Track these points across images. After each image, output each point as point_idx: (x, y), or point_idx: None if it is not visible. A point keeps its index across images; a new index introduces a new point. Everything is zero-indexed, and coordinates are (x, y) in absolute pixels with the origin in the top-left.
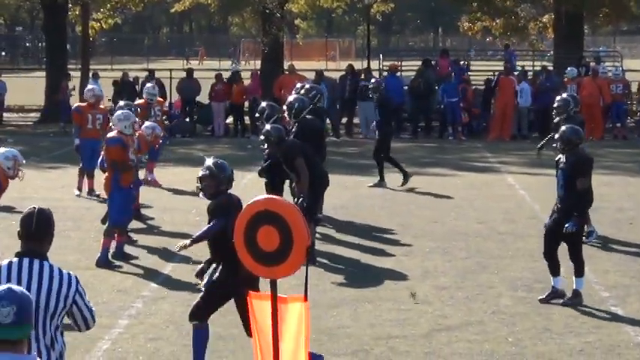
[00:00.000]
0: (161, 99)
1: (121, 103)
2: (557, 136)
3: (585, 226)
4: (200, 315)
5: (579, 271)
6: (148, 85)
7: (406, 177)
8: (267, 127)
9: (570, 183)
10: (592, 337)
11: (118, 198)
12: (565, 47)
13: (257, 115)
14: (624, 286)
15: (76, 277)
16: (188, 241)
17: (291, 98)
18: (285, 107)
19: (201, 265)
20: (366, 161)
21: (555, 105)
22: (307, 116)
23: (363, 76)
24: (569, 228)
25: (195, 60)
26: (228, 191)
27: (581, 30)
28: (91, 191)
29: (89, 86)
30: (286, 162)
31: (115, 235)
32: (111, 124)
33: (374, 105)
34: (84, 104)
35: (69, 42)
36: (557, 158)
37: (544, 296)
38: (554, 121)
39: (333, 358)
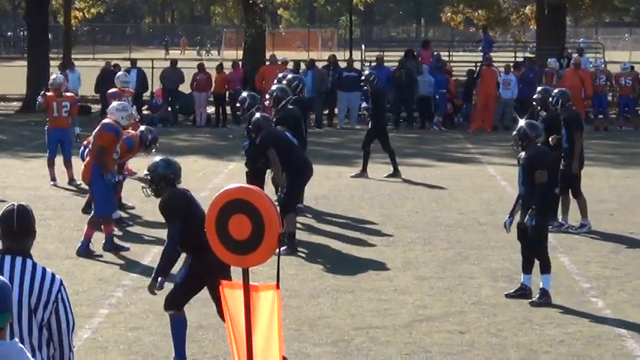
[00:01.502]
0: (131, 90)
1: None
2: (513, 133)
3: (581, 219)
4: (175, 304)
5: (545, 268)
6: (120, 73)
7: (396, 172)
8: (257, 115)
9: (529, 178)
10: (572, 328)
11: (100, 187)
12: (547, 39)
13: (238, 104)
14: (605, 278)
15: (61, 280)
16: (151, 281)
17: (273, 87)
18: (267, 96)
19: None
20: (347, 151)
21: (553, 97)
22: (288, 106)
23: (347, 66)
24: (527, 222)
25: (177, 50)
26: (177, 185)
27: (564, 21)
28: (71, 180)
29: (53, 75)
30: (261, 151)
31: (102, 225)
32: (109, 115)
33: (367, 96)
34: (50, 93)
35: (51, 31)
36: (518, 156)
37: (512, 291)
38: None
39: (313, 348)
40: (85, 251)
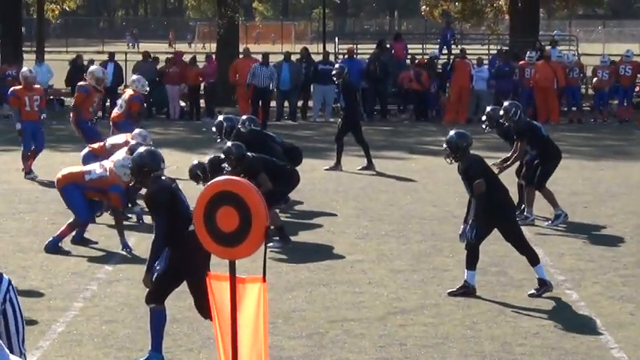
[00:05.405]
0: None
1: (137, 131)
2: (444, 145)
3: (554, 210)
4: (156, 297)
5: (533, 261)
6: (95, 68)
7: (370, 164)
8: (229, 144)
9: (472, 188)
10: (547, 321)
11: (75, 195)
12: (521, 31)
13: (214, 130)
14: (579, 270)
15: (10, 280)
16: (144, 275)
17: (221, 117)
18: (214, 128)
19: None
20: (321, 144)
21: (484, 118)
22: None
23: (322, 59)
24: (465, 236)
25: (165, 43)
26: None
27: (537, 13)
28: (29, 172)
29: (24, 68)
30: (251, 178)
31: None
32: (112, 166)
33: (338, 90)
34: (19, 87)
35: (24, 24)
36: (457, 167)
37: (455, 289)
38: (506, 125)
39: (288, 341)
40: (53, 248)
